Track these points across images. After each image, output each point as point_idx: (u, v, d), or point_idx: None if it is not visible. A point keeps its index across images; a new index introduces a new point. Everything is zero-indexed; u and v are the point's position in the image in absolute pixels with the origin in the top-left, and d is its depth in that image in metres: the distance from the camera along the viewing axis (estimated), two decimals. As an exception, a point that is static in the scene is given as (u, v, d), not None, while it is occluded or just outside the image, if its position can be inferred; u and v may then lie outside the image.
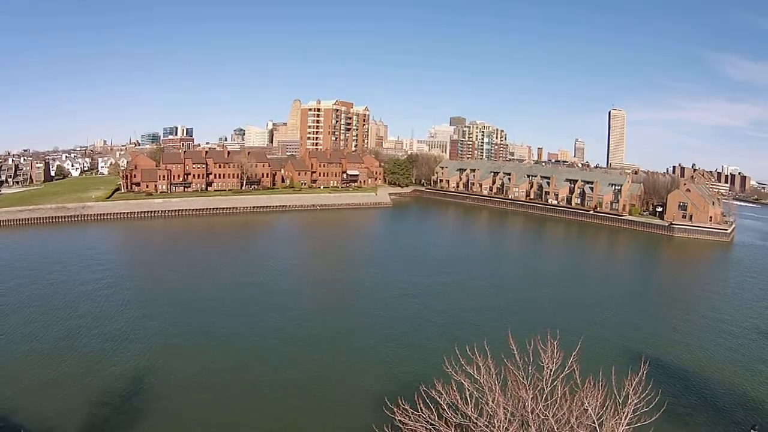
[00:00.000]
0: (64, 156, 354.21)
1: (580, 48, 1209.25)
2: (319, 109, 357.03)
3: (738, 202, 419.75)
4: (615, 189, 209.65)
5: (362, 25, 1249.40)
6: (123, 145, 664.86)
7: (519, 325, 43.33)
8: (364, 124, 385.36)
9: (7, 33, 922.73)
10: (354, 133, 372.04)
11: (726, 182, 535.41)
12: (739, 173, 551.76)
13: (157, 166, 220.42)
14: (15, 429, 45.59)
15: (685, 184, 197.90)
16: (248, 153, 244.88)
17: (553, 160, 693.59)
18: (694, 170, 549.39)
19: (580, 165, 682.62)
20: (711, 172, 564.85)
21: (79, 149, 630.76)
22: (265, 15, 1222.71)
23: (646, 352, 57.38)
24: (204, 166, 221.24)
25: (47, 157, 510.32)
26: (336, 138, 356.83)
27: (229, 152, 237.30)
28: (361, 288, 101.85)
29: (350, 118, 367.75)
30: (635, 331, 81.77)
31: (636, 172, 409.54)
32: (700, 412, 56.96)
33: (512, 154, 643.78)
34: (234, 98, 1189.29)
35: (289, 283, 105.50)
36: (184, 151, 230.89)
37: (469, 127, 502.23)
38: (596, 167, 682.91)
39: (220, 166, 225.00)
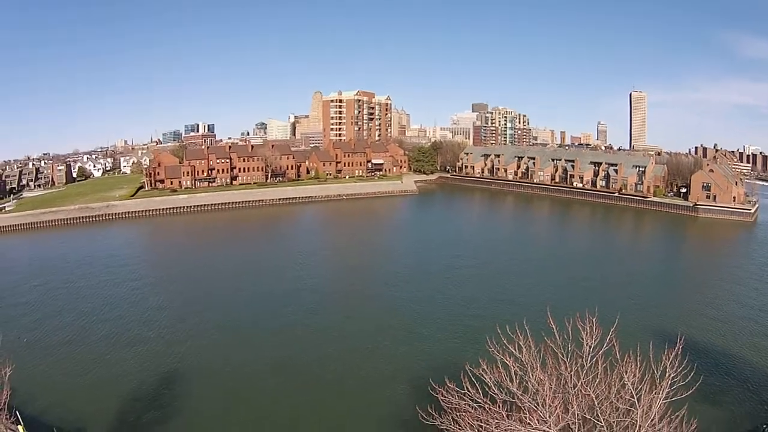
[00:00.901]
0: (85, 157, 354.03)
1: (599, 32, 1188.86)
2: (341, 100, 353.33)
3: (760, 182, 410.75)
4: (639, 171, 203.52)
5: (380, 15, 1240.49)
6: (144, 144, 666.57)
7: (556, 305, 43.84)
8: (386, 114, 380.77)
9: (24, 30, 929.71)
10: (377, 123, 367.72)
11: (748, 162, 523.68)
12: (761, 153, 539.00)
13: (180, 163, 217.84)
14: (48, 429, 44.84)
15: (708, 164, 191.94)
16: (272, 146, 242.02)
17: (576, 144, 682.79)
18: (716, 150, 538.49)
19: (603, 148, 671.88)
20: (733, 152, 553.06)
21: (100, 150, 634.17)
22: (282, 10, 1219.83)
23: (680, 329, 55.92)
24: (228, 160, 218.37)
25: (68, 159, 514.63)
26: (359, 128, 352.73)
27: (252, 146, 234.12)
28: (395, 277, 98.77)
29: (372, 108, 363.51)
30: (668, 309, 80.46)
31: (659, 154, 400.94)
32: (731, 389, 56.25)
33: (535, 138, 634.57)
34: (255, 93, 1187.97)
35: (323, 274, 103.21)
36: (207, 147, 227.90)
37: (492, 113, 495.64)
38: (619, 149, 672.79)
39: (244, 160, 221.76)
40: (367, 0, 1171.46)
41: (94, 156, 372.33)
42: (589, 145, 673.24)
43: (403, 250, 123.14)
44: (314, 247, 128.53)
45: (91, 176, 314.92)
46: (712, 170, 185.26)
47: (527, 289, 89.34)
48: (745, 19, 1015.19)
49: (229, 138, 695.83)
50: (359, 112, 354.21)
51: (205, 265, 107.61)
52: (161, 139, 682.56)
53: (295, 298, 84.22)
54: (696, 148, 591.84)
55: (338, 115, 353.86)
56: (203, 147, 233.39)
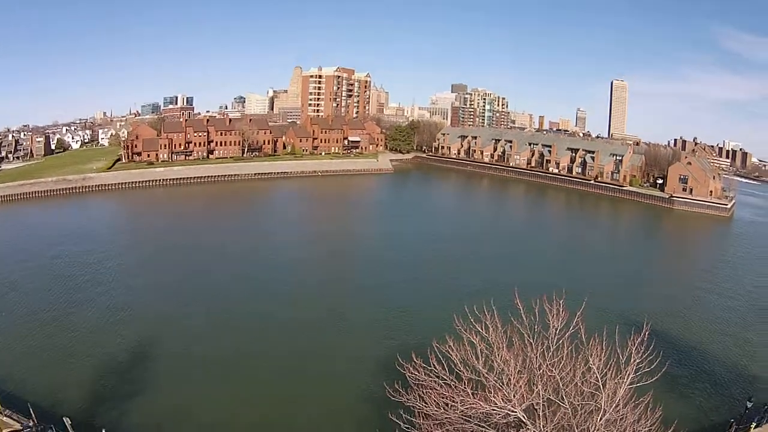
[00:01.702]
0: (64, 129, 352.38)
1: (584, 16, 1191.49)
2: (320, 76, 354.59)
3: (739, 178, 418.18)
4: (616, 159, 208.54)
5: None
6: (123, 117, 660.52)
7: (525, 288, 44.18)
8: (365, 91, 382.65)
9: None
10: (355, 100, 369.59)
11: (727, 158, 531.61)
12: (741, 149, 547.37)
13: (158, 136, 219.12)
14: (23, 403, 45.32)
15: (686, 157, 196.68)
16: (249, 120, 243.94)
17: (555, 129, 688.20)
18: (696, 144, 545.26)
19: (581, 134, 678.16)
20: (712, 146, 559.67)
21: (79, 122, 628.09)
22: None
23: (647, 317, 56.28)
24: (205, 134, 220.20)
25: (47, 131, 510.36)
26: (337, 105, 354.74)
27: (230, 120, 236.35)
28: (367, 255, 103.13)
29: (352, 85, 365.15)
30: (636, 297, 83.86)
31: (637, 144, 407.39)
32: (698, 380, 58.62)
33: (513, 122, 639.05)
34: (234, 66, 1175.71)
35: (294, 254, 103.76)
36: (185, 120, 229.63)
37: (471, 94, 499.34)
38: (597, 137, 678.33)
39: (221, 134, 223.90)
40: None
41: (72, 128, 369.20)
42: (567, 131, 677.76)
43: (375, 230, 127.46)
44: (288, 226, 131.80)
45: (70, 148, 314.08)
46: (690, 163, 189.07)
47: (497, 271, 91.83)
48: (733, 13, 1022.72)
49: (208, 111, 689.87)
50: (338, 88, 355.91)
51: (175, 244, 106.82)
52: (140, 111, 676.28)
53: (265, 279, 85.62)
54: (675, 140, 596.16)
55: (317, 90, 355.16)
56: (182, 120, 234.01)
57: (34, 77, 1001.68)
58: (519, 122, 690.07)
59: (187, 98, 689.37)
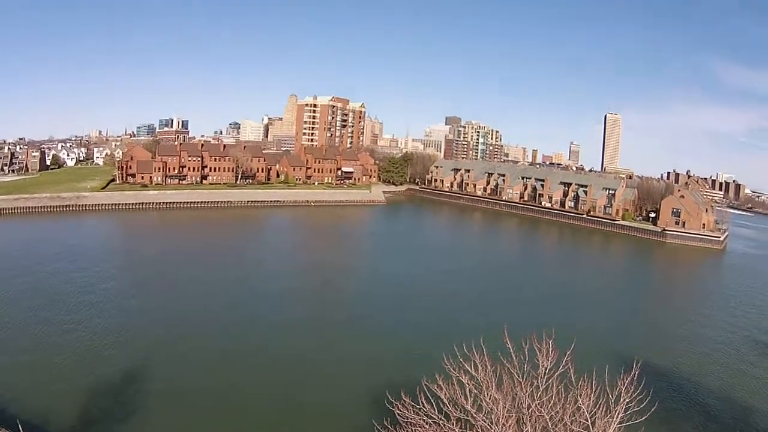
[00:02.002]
0: (59, 145, 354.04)
1: (577, 52, 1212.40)
2: (315, 105, 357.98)
3: (732, 210, 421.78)
4: (609, 193, 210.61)
5: (360, 24, 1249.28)
6: (118, 136, 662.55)
7: (515, 325, 43.40)
8: (360, 121, 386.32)
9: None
10: (349, 130, 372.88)
11: (720, 189, 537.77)
12: (734, 181, 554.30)
13: (152, 158, 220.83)
14: (12, 419, 44.88)
15: (679, 190, 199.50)
16: (244, 147, 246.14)
17: (548, 163, 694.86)
18: (689, 177, 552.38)
19: (574, 168, 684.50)
20: (705, 179, 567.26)
21: (74, 139, 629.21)
22: (263, 11, 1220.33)
23: (638, 354, 55.25)
24: (200, 159, 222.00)
25: (43, 146, 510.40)
26: (331, 134, 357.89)
27: (225, 146, 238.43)
28: (358, 288, 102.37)
29: (346, 115, 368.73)
30: (628, 334, 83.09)
31: (630, 177, 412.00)
32: (689, 415, 58.19)
33: (507, 155, 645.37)
34: (230, 92, 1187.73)
35: (286, 283, 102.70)
36: (180, 144, 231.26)
37: (465, 127, 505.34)
38: (591, 171, 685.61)
39: (215, 160, 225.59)
40: (348, 8, 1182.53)
41: (68, 145, 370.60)
42: (560, 164, 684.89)
43: (366, 262, 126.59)
44: (280, 255, 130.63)
45: (65, 165, 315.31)
46: (682, 196, 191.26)
47: (487, 307, 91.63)
48: (725, 47, 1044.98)
49: (203, 136, 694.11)
50: (333, 118, 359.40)
51: (168, 269, 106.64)
52: (135, 132, 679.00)
53: (254, 311, 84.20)
54: (668, 173, 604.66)
55: (312, 119, 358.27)
56: (176, 143, 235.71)
57: (31, 91, 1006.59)
58: (512, 155, 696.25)
59: (183, 121, 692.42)
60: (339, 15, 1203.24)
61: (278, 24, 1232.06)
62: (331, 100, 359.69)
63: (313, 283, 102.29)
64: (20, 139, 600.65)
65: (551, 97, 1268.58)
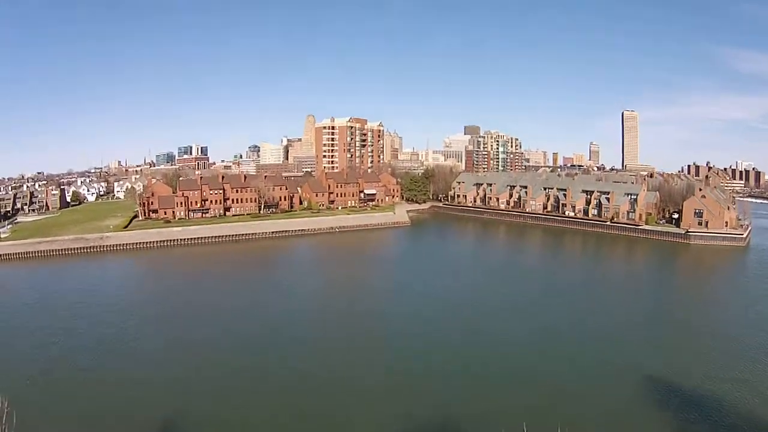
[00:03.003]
0: (79, 181, 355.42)
1: (590, 52, 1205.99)
2: (333, 127, 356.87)
3: (753, 199, 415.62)
4: (631, 198, 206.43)
5: (372, 40, 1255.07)
6: (138, 166, 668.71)
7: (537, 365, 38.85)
8: (379, 140, 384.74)
9: (14, 49, 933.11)
10: (369, 149, 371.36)
11: (741, 179, 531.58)
12: (754, 168, 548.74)
13: (174, 193, 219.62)
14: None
15: (700, 189, 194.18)
16: (265, 177, 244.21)
17: (569, 165, 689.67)
18: (709, 168, 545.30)
19: (595, 168, 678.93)
20: (725, 169, 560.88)
21: (93, 170, 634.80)
22: (276, 31, 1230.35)
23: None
24: (221, 191, 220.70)
25: (62, 179, 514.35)
26: (351, 155, 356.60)
27: (246, 177, 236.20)
28: (387, 325, 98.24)
29: (365, 135, 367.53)
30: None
31: (651, 175, 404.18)
32: None
33: (527, 160, 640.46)
34: (248, 116, 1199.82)
35: (312, 318, 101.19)
36: (201, 177, 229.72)
37: (484, 137, 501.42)
38: (612, 170, 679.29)
39: (237, 191, 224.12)
40: (360, 24, 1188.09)
41: (88, 180, 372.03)
42: (581, 166, 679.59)
43: (393, 293, 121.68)
44: (305, 289, 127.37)
45: (85, 200, 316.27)
46: (704, 196, 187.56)
47: (509, 360, 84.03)
48: (735, 34, 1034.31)
49: (222, 161, 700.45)
50: (351, 138, 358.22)
51: (199, 307, 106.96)
52: (155, 161, 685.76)
53: (282, 351, 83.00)
54: (689, 166, 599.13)
55: (331, 141, 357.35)
56: (197, 177, 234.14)
57: (49, 124, 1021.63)
58: (533, 160, 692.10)
59: (201, 148, 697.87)
60: (351, 32, 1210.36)
61: (291, 43, 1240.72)
62: (349, 120, 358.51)
63: (340, 326, 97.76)
64: (39, 173, 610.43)
65: (567, 99, 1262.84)
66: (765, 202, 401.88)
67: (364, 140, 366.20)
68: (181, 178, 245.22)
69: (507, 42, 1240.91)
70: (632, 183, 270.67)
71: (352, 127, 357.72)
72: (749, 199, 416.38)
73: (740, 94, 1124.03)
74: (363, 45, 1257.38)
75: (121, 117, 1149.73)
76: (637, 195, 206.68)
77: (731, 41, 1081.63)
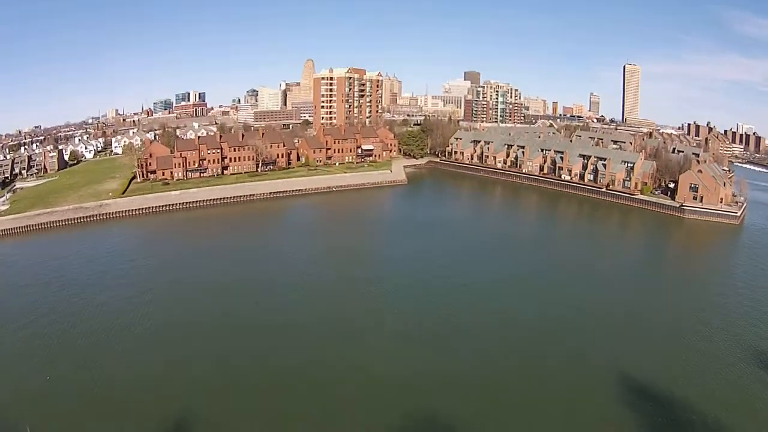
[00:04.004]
0: (77, 139, 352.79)
1: (594, 3, 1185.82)
2: (331, 78, 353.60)
3: (752, 166, 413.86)
4: (627, 166, 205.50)
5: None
6: (135, 114, 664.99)
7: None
8: (377, 90, 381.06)
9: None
10: (368, 100, 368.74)
11: (741, 142, 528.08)
12: (754, 133, 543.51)
13: (171, 153, 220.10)
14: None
15: (698, 163, 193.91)
16: (262, 134, 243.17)
17: (569, 115, 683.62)
18: (709, 130, 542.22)
19: (595, 120, 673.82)
20: (725, 132, 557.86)
21: (91, 120, 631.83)
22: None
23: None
24: (219, 151, 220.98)
25: (59, 133, 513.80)
26: (350, 105, 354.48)
27: (243, 135, 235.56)
28: (377, 301, 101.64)
29: (363, 85, 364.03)
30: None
31: (651, 134, 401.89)
32: None
33: (527, 108, 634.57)
34: (246, 59, 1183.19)
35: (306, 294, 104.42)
36: (198, 137, 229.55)
37: (483, 87, 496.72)
38: (611, 121, 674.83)
39: (234, 150, 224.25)
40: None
41: (85, 137, 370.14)
42: (581, 117, 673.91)
43: (385, 264, 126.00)
44: (301, 257, 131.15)
45: (83, 158, 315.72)
46: (700, 171, 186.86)
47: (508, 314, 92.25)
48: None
49: (220, 106, 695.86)
50: (350, 89, 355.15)
51: (191, 283, 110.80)
52: (152, 108, 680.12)
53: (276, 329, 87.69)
54: (689, 125, 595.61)
55: (329, 92, 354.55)
56: (194, 138, 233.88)
57: (44, 76, 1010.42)
58: (533, 108, 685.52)
59: (199, 94, 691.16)
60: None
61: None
62: (348, 71, 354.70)
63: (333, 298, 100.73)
64: (36, 127, 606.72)
65: (569, 48, 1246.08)
66: (763, 170, 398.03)
67: (362, 90, 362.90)
68: (179, 135, 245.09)
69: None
70: (630, 144, 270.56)
71: (350, 78, 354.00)
72: (748, 165, 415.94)
73: (745, 56, 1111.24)
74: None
75: (118, 66, 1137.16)
76: (634, 163, 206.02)
77: (738, 4, 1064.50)
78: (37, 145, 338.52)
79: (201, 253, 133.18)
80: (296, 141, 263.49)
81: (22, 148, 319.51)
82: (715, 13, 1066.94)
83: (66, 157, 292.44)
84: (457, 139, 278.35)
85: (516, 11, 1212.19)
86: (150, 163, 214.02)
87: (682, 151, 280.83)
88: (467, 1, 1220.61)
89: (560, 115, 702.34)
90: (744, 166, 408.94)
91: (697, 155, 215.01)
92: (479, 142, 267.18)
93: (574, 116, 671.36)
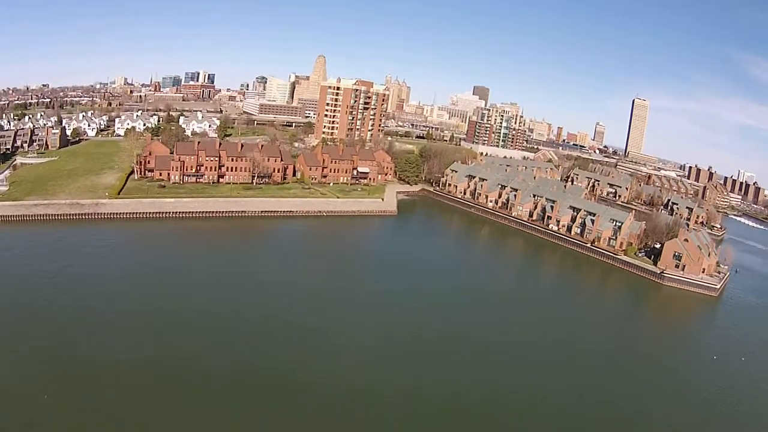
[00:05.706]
0: (81, 115, 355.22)
1: (609, 33, 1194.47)
2: (338, 88, 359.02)
3: (746, 220, 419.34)
4: (616, 225, 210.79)
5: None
6: (143, 85, 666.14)
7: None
8: (382, 103, 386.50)
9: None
10: (371, 113, 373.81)
11: (740, 191, 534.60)
12: (755, 183, 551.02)
13: (171, 154, 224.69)
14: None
15: (686, 229, 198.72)
16: (261, 147, 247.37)
17: (572, 143, 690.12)
18: (710, 175, 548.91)
19: (597, 150, 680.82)
20: (725, 180, 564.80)
21: (99, 86, 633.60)
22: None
23: None
24: (217, 158, 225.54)
25: (65, 96, 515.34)
26: (353, 117, 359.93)
27: (242, 145, 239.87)
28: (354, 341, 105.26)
29: (369, 98, 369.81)
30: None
31: (649, 178, 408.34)
32: None
33: (531, 131, 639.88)
34: (258, 45, 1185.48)
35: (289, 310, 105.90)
36: (198, 143, 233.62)
37: (489, 110, 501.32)
38: (614, 153, 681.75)
39: (232, 160, 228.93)
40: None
41: (89, 114, 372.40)
42: (583, 147, 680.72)
43: (366, 299, 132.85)
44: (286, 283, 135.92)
45: (85, 135, 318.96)
46: (686, 239, 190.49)
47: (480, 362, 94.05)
48: (755, 43, 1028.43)
49: (228, 89, 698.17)
50: (355, 101, 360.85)
51: (193, 304, 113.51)
52: (160, 83, 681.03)
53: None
54: (690, 167, 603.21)
55: (334, 102, 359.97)
56: (194, 142, 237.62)
57: (56, 35, 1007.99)
58: (537, 131, 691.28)
59: (209, 75, 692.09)
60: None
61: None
62: (355, 83, 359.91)
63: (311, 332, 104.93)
64: (44, 85, 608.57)
65: (580, 75, 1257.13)
66: (757, 225, 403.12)
67: (367, 103, 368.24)
68: (179, 141, 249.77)
69: (525, 14, 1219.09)
70: (626, 189, 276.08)
71: (357, 90, 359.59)
72: (742, 219, 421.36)
73: (755, 102, 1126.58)
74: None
75: (130, 33, 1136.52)
76: (622, 223, 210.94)
77: (752, 50, 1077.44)
78: (41, 114, 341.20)
79: (176, 273, 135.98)
80: (295, 145, 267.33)
81: (26, 117, 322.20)
82: (729, 55, 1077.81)
83: (68, 133, 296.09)
84: (453, 171, 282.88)
85: (531, 36, 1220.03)
86: (149, 161, 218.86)
87: (677, 203, 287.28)
88: (486, 18, 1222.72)
89: (564, 141, 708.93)
90: (739, 219, 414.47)
91: (690, 210, 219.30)
92: (474, 177, 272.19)
93: (576, 145, 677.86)
